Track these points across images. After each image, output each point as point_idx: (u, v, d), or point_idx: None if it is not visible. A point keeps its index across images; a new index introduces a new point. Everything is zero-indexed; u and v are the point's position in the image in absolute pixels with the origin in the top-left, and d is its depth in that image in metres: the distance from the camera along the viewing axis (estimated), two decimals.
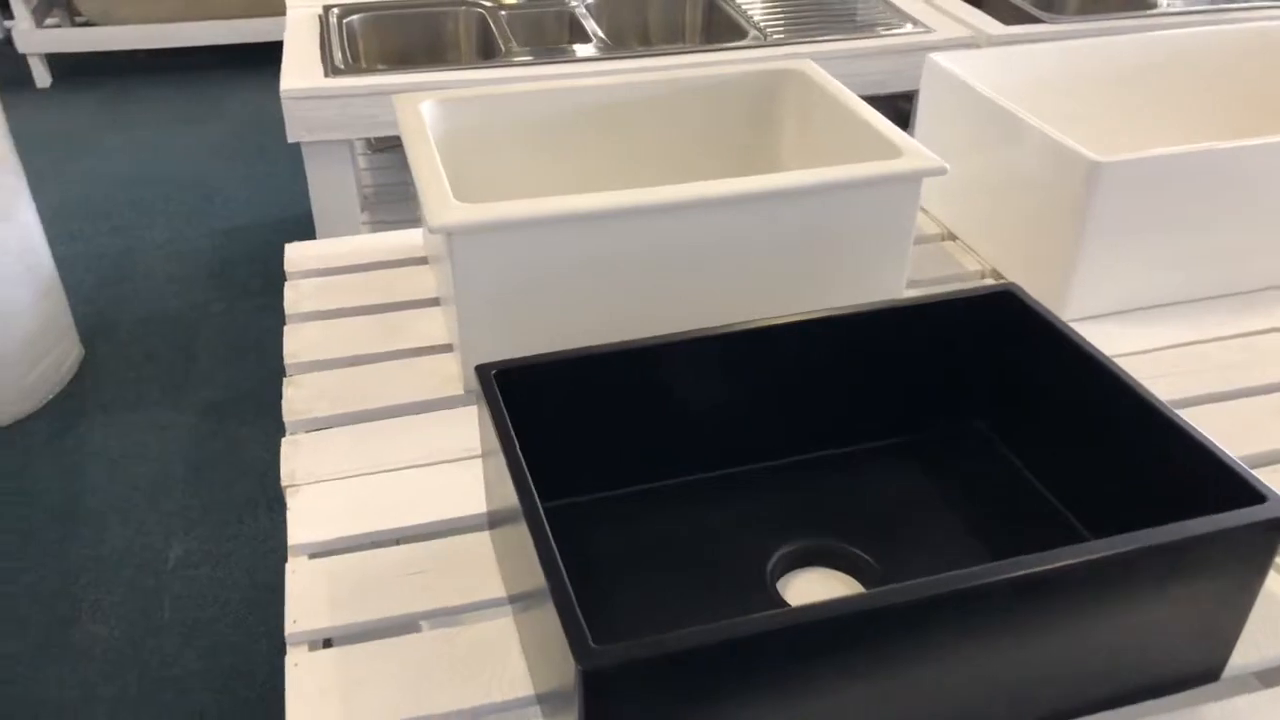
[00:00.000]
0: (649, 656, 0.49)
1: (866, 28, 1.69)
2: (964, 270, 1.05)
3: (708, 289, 0.88)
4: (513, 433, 0.63)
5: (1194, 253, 0.97)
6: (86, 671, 1.42)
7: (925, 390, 0.79)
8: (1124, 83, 1.19)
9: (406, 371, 0.91)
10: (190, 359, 2.05)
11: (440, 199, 0.81)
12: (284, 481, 0.80)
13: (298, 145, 1.51)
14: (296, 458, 0.82)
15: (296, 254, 1.08)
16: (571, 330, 0.87)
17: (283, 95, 1.46)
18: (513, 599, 0.68)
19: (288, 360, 0.92)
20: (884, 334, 0.76)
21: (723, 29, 1.80)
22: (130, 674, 1.42)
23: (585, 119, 1.05)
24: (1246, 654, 0.64)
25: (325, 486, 0.79)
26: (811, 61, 1.07)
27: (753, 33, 1.69)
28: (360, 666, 0.65)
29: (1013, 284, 0.77)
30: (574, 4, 1.79)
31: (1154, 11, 1.73)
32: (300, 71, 1.51)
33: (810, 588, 0.70)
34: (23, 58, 3.26)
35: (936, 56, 1.09)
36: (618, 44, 1.72)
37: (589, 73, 1.55)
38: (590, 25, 1.72)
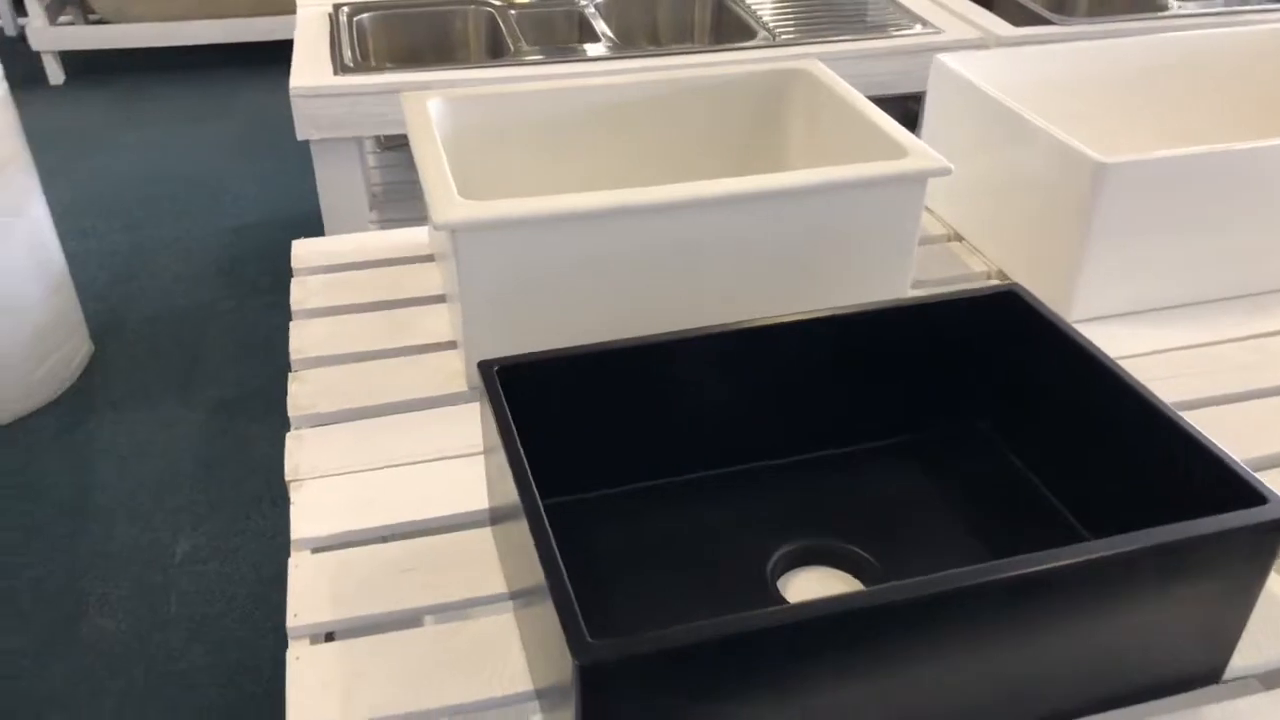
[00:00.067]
0: (646, 652, 0.49)
1: (876, 29, 1.69)
2: (970, 271, 1.05)
3: (712, 288, 0.88)
4: (514, 429, 0.63)
5: (1201, 254, 0.97)
6: (93, 666, 1.43)
7: (927, 390, 0.79)
8: (1133, 84, 1.18)
9: (411, 368, 0.92)
10: (199, 356, 2.06)
11: (445, 196, 0.81)
12: (288, 476, 0.80)
13: (308, 143, 1.52)
14: (300, 452, 0.83)
15: (304, 250, 1.08)
16: (575, 328, 0.87)
17: (292, 93, 1.47)
18: (513, 595, 0.68)
19: (293, 356, 0.93)
20: (887, 333, 0.76)
21: (732, 29, 1.81)
22: (137, 669, 1.43)
23: (592, 118, 1.05)
24: (1247, 656, 0.64)
25: (329, 481, 0.80)
26: (818, 61, 1.07)
27: (761, 33, 1.69)
28: (361, 660, 0.66)
29: (1016, 284, 0.77)
30: (583, 4, 1.80)
31: (1165, 14, 1.72)
32: (309, 69, 1.52)
33: (810, 587, 0.70)
34: (36, 55, 3.28)
35: (944, 57, 1.09)
36: (626, 44, 1.73)
37: (597, 72, 1.55)
38: (599, 25, 1.73)
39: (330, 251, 1.08)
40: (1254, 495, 0.57)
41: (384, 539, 0.75)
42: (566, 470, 0.75)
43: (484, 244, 0.81)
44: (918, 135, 0.98)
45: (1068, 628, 0.57)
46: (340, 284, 1.03)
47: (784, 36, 1.66)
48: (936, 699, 0.57)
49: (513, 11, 1.76)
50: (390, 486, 0.79)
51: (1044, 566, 0.54)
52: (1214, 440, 0.62)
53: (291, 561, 0.73)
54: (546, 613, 0.53)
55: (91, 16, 3.31)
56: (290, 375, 0.91)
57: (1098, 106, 1.18)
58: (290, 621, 0.69)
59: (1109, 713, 0.62)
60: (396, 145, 2.07)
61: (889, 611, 0.52)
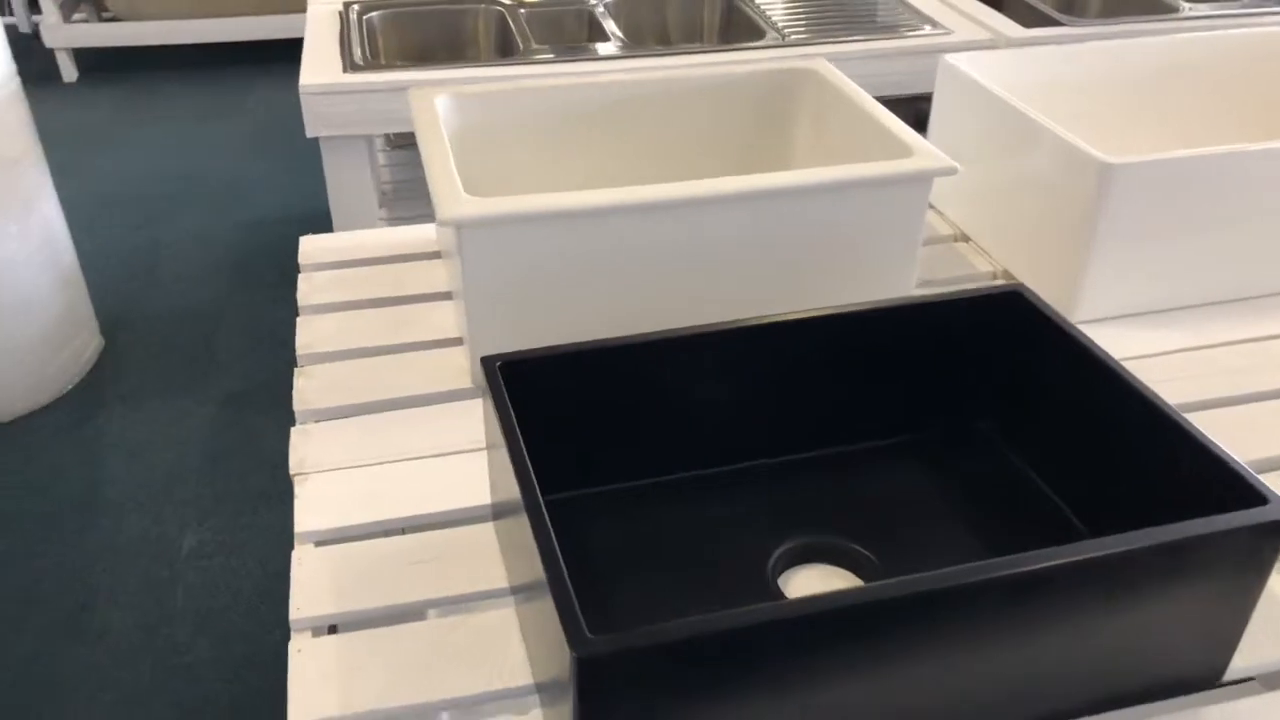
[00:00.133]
0: (643, 646, 0.49)
1: (885, 30, 1.69)
2: (975, 271, 1.05)
3: (716, 286, 0.88)
4: (516, 425, 0.63)
5: (1207, 256, 0.97)
6: (100, 658, 1.44)
7: (929, 389, 0.79)
8: (1141, 86, 1.18)
9: (417, 364, 0.92)
10: (209, 351, 2.07)
11: (451, 192, 0.82)
12: (292, 470, 0.81)
13: (318, 141, 1.53)
14: (305, 447, 0.83)
15: (311, 247, 1.09)
16: (580, 325, 0.87)
17: (301, 91, 1.47)
18: (514, 590, 0.69)
19: (300, 351, 0.93)
20: (889, 332, 0.76)
21: (741, 29, 1.81)
22: (143, 662, 1.44)
23: (599, 116, 1.05)
24: (1248, 657, 0.64)
25: (333, 475, 0.80)
26: (825, 61, 1.07)
27: (770, 33, 1.69)
28: (362, 653, 0.66)
29: (1019, 284, 0.77)
30: (593, 3, 1.80)
31: (1176, 15, 1.72)
32: (319, 67, 1.53)
33: (811, 584, 0.70)
34: (50, 52, 3.30)
35: (951, 57, 1.09)
36: (636, 43, 1.73)
37: (605, 71, 1.55)
38: (609, 24, 1.73)
39: (338, 248, 1.09)
40: (1255, 496, 0.57)
41: (387, 533, 0.76)
42: (569, 466, 0.75)
43: (489, 240, 0.82)
44: (926, 136, 0.98)
45: (1066, 627, 0.57)
46: (347, 280, 1.03)
47: (793, 37, 1.67)
48: (935, 697, 0.57)
49: (522, 10, 1.76)
50: (394, 481, 0.79)
51: (1042, 565, 0.54)
52: (1219, 444, 0.62)
53: (295, 555, 0.73)
54: (545, 607, 0.53)
55: (105, 14, 3.32)
56: (296, 370, 0.91)
57: (1106, 107, 1.18)
58: (293, 614, 0.69)
59: (1109, 713, 0.62)
60: (406, 143, 2.08)
61: (886, 608, 0.52)
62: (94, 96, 3.24)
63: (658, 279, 0.87)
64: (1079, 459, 0.73)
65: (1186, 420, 0.64)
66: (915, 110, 1.85)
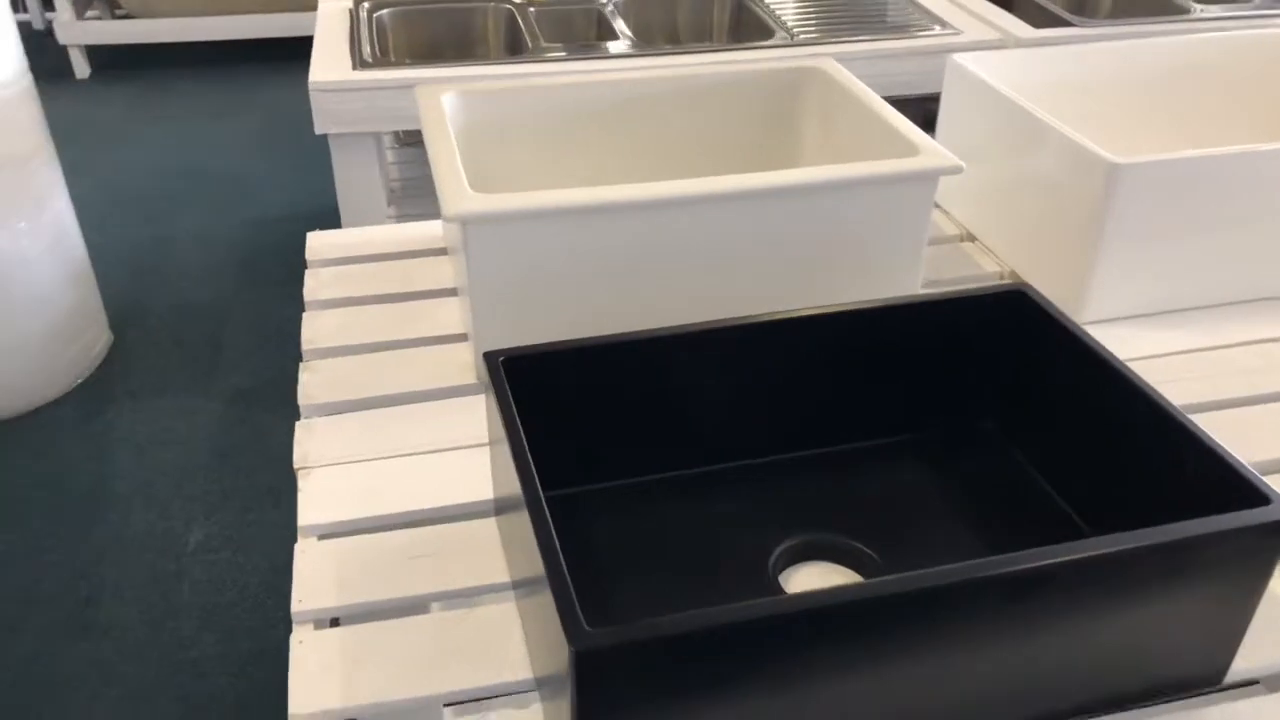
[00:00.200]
0: (641, 639, 0.49)
1: (895, 30, 1.69)
2: (982, 271, 1.05)
3: (720, 284, 0.88)
4: (517, 419, 0.63)
5: (1214, 257, 0.96)
6: (106, 652, 1.45)
7: (933, 388, 0.79)
8: (1150, 86, 1.18)
9: (422, 360, 0.92)
10: (217, 347, 2.08)
11: (456, 188, 0.82)
12: (296, 464, 0.81)
13: (327, 138, 1.53)
14: (310, 441, 0.83)
15: (318, 242, 1.09)
16: (584, 322, 0.87)
17: (311, 87, 1.48)
18: (515, 585, 0.69)
19: (305, 346, 0.94)
20: (893, 331, 0.76)
21: (751, 29, 1.81)
22: (149, 655, 1.44)
23: (607, 114, 1.05)
24: (1250, 658, 0.64)
25: (337, 470, 0.80)
26: (832, 60, 1.07)
27: (780, 33, 1.69)
28: (364, 646, 0.66)
29: (1023, 283, 0.76)
30: (603, 2, 1.80)
31: (1187, 17, 1.71)
32: (329, 64, 1.53)
33: (812, 582, 0.70)
34: (63, 49, 3.31)
35: (958, 57, 1.09)
36: (645, 43, 1.73)
37: (613, 70, 1.56)
38: (618, 24, 1.73)
39: (344, 244, 1.09)
40: (1258, 496, 0.57)
41: (390, 527, 0.76)
42: (571, 462, 0.75)
43: (494, 236, 0.82)
44: (934, 136, 0.98)
45: (1067, 626, 0.56)
46: (353, 276, 1.03)
47: (803, 36, 1.66)
48: (934, 695, 0.57)
49: (532, 9, 1.76)
50: (398, 476, 0.80)
51: (1043, 563, 0.54)
52: (1222, 444, 0.62)
53: (297, 547, 0.74)
54: (545, 601, 0.53)
55: (118, 11, 3.34)
56: (301, 365, 0.92)
57: (1115, 108, 1.17)
58: (295, 606, 0.69)
59: (1110, 713, 0.62)
60: (415, 141, 2.08)
61: (885, 604, 0.52)
62: (106, 93, 3.26)
63: (662, 276, 0.87)
64: (1082, 459, 0.72)
65: (1190, 420, 0.63)
66: (925, 110, 1.84)
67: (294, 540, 0.74)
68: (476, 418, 0.86)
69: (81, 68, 3.36)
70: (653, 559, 0.71)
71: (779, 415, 0.77)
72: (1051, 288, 0.97)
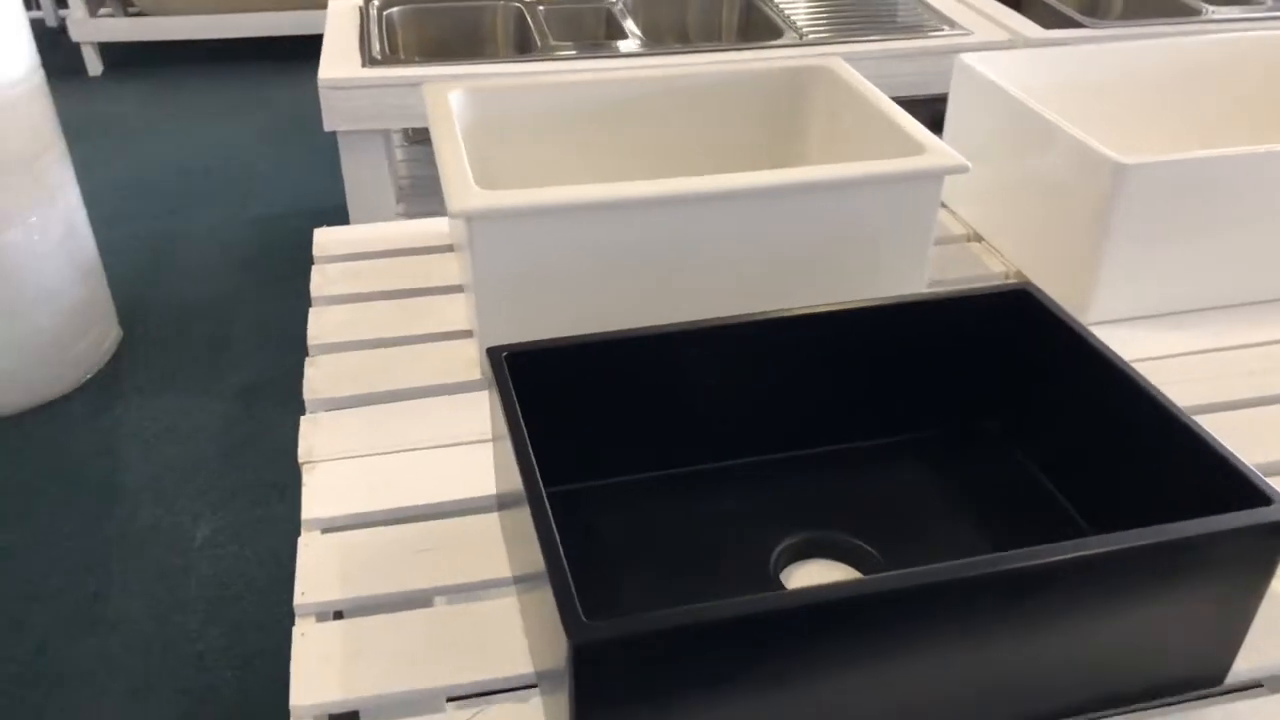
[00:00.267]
0: (639, 632, 0.49)
1: (905, 30, 1.69)
2: (988, 271, 1.05)
3: (725, 282, 0.88)
4: (519, 414, 0.63)
5: (1221, 258, 0.96)
6: (112, 645, 1.45)
7: (937, 387, 0.79)
8: (1160, 87, 1.17)
9: (427, 355, 0.92)
10: (225, 343, 2.09)
11: (461, 184, 0.82)
12: (301, 458, 0.81)
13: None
14: (315, 435, 0.84)
15: (325, 239, 1.10)
16: (589, 319, 0.87)
17: (320, 84, 1.48)
18: (517, 580, 0.69)
19: (311, 341, 0.94)
20: (897, 329, 0.76)
21: (760, 29, 1.81)
22: (155, 648, 1.45)
23: (614, 112, 1.06)
24: (1251, 658, 0.64)
25: (341, 464, 0.81)
26: (839, 59, 1.07)
27: (789, 33, 1.69)
28: (366, 639, 0.66)
29: (1027, 282, 0.76)
30: (612, 1, 1.80)
31: (1198, 18, 1.70)
32: (338, 62, 1.54)
33: (813, 579, 0.70)
34: (76, 46, 3.33)
35: (966, 56, 1.09)
36: (654, 42, 1.73)
37: (620, 68, 1.56)
38: (627, 23, 1.73)
39: (351, 240, 1.09)
40: (1259, 496, 0.57)
41: (394, 521, 0.76)
42: (574, 458, 0.75)
43: (499, 233, 0.82)
44: (941, 136, 0.98)
45: (1067, 625, 0.56)
46: (360, 272, 1.04)
47: (812, 36, 1.66)
48: (933, 693, 0.57)
49: (541, 8, 1.77)
50: (402, 470, 0.80)
51: (1043, 561, 0.53)
52: (1225, 445, 0.62)
53: (301, 540, 0.74)
54: (544, 594, 0.53)
55: (130, 9, 3.36)
56: (307, 360, 0.92)
57: (1124, 109, 1.17)
58: (298, 599, 0.70)
59: (1110, 712, 0.62)
60: (424, 139, 2.08)
61: (884, 600, 0.52)
62: (118, 90, 3.27)
63: (666, 273, 0.87)
64: (1085, 459, 0.72)
65: (1193, 420, 0.63)
66: (934, 111, 1.84)
67: (299, 535, 0.75)
68: (481, 413, 0.86)
69: (94, 65, 3.38)
70: (654, 556, 0.71)
71: (782, 413, 0.77)
72: (1057, 288, 0.97)
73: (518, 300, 0.86)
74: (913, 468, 0.77)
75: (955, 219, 1.14)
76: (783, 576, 0.70)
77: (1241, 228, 0.94)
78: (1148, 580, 0.56)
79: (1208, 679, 0.62)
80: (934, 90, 1.65)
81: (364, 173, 1.59)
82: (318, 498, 0.77)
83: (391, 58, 1.58)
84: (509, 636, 0.66)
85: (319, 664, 0.65)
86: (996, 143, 1.04)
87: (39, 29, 3.58)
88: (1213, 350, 0.93)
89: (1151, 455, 0.66)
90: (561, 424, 0.73)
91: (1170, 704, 0.62)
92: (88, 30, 3.29)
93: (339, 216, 1.55)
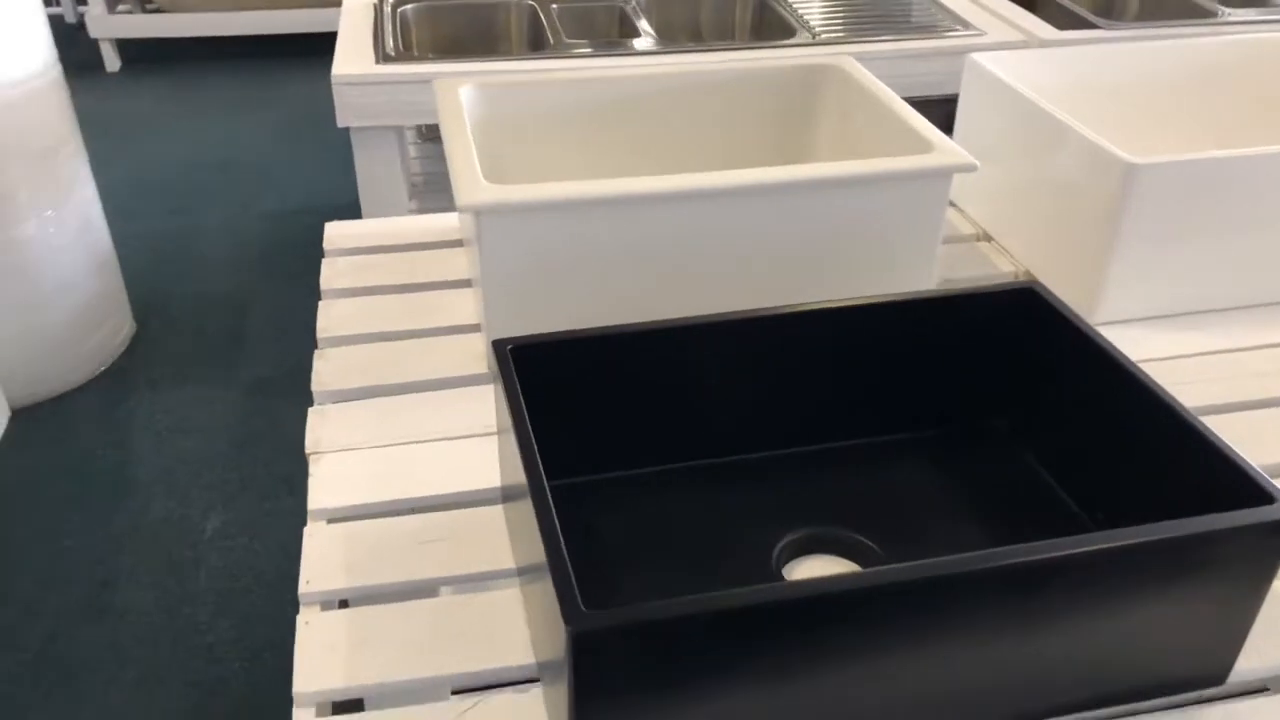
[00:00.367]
0: (638, 621, 0.50)
1: (919, 31, 1.68)
2: (997, 271, 1.05)
3: (732, 278, 0.88)
4: (523, 406, 0.64)
5: (1230, 259, 0.95)
6: (121, 635, 1.46)
7: (943, 385, 0.79)
8: (1174, 88, 1.17)
9: (435, 349, 0.93)
10: (238, 337, 2.10)
11: (470, 179, 0.82)
12: (308, 449, 0.82)
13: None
14: (322, 427, 0.84)
15: (336, 232, 1.10)
16: (596, 314, 0.87)
17: (333, 80, 1.49)
18: (520, 571, 0.69)
19: (319, 334, 0.95)
20: (903, 326, 0.76)
21: (773, 29, 1.81)
22: (164, 640, 1.46)
23: (625, 110, 1.06)
24: (1252, 658, 0.64)
25: (348, 455, 0.81)
26: (850, 57, 1.07)
27: (802, 32, 1.69)
28: (369, 628, 0.67)
29: (1034, 281, 0.76)
30: (625, 1, 1.81)
31: (1213, 20, 1.70)
32: (352, 58, 1.54)
33: (815, 574, 0.70)
34: (94, 42, 3.35)
35: (977, 56, 1.08)
36: (667, 41, 1.73)
37: (632, 66, 1.56)
38: (640, 22, 1.73)
39: (362, 234, 1.10)
40: (1263, 495, 0.57)
41: (399, 512, 0.76)
42: (579, 452, 0.75)
43: (507, 227, 0.82)
44: (952, 136, 0.98)
45: (1068, 621, 0.56)
46: (370, 266, 1.04)
47: (825, 36, 1.66)
48: (933, 688, 0.57)
49: (554, 6, 1.77)
50: (408, 462, 0.80)
51: (1044, 556, 0.53)
52: (1231, 445, 0.61)
53: (306, 530, 0.75)
54: (545, 585, 0.54)
55: (148, 6, 3.38)
56: (315, 352, 0.92)
57: (1135, 110, 1.17)
58: (302, 588, 0.70)
59: (1110, 709, 0.61)
60: (437, 137, 2.09)
61: (882, 594, 0.52)
62: (135, 86, 3.30)
63: (674, 269, 0.87)
64: (1091, 458, 0.72)
65: (1198, 419, 0.63)
66: (947, 112, 1.84)
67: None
68: (487, 407, 0.86)
69: (112, 61, 3.41)
70: (657, 550, 0.71)
71: (787, 409, 0.77)
72: (1066, 288, 0.97)
73: (525, 294, 0.86)
74: (917, 465, 0.77)
75: (965, 219, 1.13)
76: (785, 572, 0.70)
77: (1252, 229, 0.94)
78: (1149, 577, 0.56)
79: (1209, 678, 0.62)
80: (947, 90, 1.65)
81: (376, 169, 1.60)
82: (324, 488, 0.78)
83: (405, 54, 1.59)
84: (513, 627, 0.67)
85: (323, 652, 0.65)
86: (1006, 142, 1.04)
87: (58, 25, 3.61)
88: (1222, 351, 0.93)
89: (1156, 454, 0.66)
90: (566, 417, 0.73)
91: (1172, 705, 0.62)
92: (106, 26, 3.32)
93: (352, 213, 1.56)
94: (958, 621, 0.55)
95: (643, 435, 0.76)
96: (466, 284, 1.02)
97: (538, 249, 0.84)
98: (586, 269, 0.86)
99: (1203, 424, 0.63)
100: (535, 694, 0.63)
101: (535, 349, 0.70)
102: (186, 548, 1.61)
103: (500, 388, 0.67)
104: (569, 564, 0.52)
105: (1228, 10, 1.73)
